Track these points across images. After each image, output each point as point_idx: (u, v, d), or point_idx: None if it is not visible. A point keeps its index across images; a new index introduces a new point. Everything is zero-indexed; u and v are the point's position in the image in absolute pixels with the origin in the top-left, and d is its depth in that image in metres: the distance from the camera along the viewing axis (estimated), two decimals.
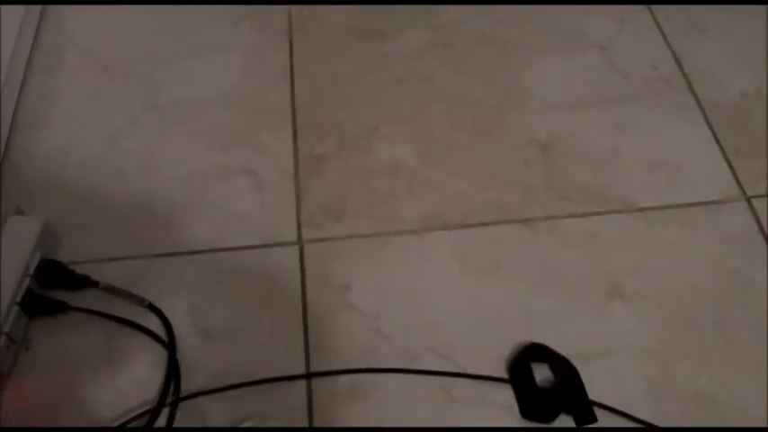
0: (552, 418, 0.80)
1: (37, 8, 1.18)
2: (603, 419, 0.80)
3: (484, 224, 0.96)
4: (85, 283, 0.88)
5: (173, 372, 0.82)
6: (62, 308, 0.86)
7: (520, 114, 1.07)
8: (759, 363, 0.85)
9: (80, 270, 0.89)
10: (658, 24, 1.18)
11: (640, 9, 1.20)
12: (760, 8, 1.19)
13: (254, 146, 1.02)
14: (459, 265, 0.92)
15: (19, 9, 1.11)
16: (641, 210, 0.97)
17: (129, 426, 0.78)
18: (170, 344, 0.84)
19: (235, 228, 0.95)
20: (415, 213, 0.96)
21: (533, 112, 1.07)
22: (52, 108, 1.07)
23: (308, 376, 0.82)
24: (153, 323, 0.86)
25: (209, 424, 0.79)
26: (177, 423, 0.79)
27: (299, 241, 0.93)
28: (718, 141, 1.04)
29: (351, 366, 0.83)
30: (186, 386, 0.82)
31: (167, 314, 0.86)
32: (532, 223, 0.96)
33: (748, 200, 0.98)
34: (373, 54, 1.13)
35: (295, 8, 1.20)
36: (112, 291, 0.88)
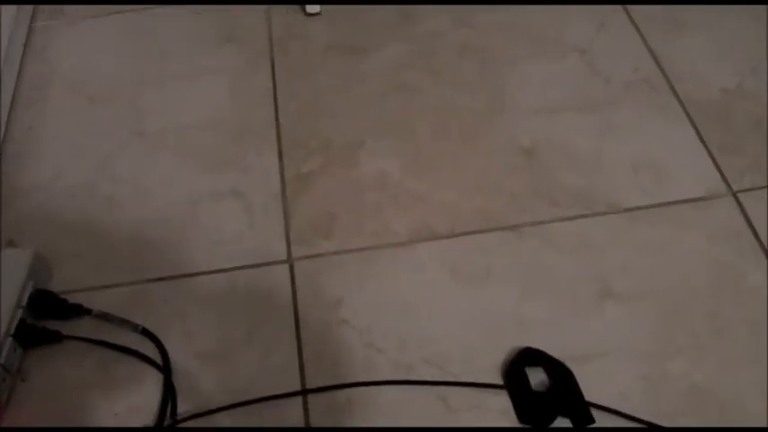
0: (549, 422, 0.81)
1: (21, 40, 1.19)
2: (601, 420, 0.80)
3: (472, 232, 0.96)
4: (78, 311, 0.88)
5: (169, 395, 0.82)
6: (56, 337, 0.86)
7: (504, 121, 1.08)
8: (754, 356, 0.85)
9: (73, 299, 0.89)
10: (636, 25, 1.19)
11: (618, 10, 1.22)
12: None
13: (242, 167, 1.03)
14: (450, 275, 0.92)
15: (2, 42, 1.12)
16: (628, 210, 0.98)
17: None
18: (165, 368, 0.84)
19: (225, 249, 0.95)
20: (403, 226, 0.97)
21: (517, 119, 1.08)
22: (40, 139, 1.08)
23: (304, 393, 0.83)
24: (148, 348, 0.86)
25: None
26: None
27: (290, 259, 0.94)
28: (701, 138, 1.05)
29: (346, 381, 0.83)
30: (183, 408, 0.82)
31: (161, 338, 0.87)
32: (520, 229, 0.96)
33: (734, 195, 0.99)
34: (355, 69, 1.14)
35: (276, 27, 1.21)
36: (106, 318, 0.88)
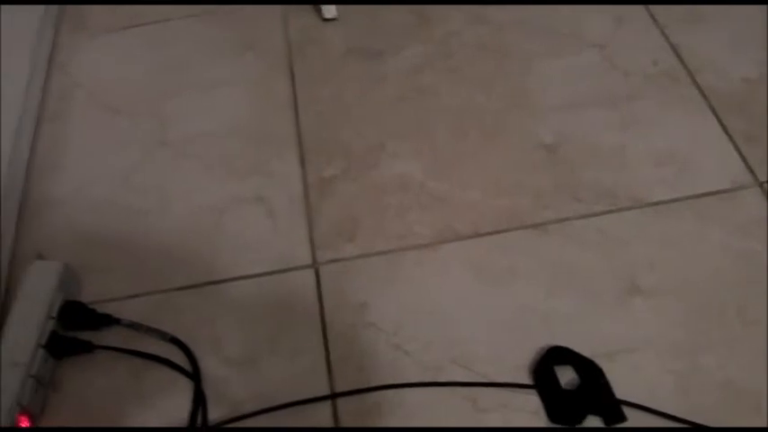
0: (580, 420, 0.80)
1: (46, 55, 1.21)
2: (632, 417, 0.80)
3: (496, 232, 0.96)
4: (108, 321, 0.89)
5: (199, 402, 0.83)
6: (87, 347, 0.87)
7: (524, 119, 1.07)
8: None
9: (102, 309, 0.90)
10: (655, 19, 1.18)
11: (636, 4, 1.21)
12: None
13: (264, 174, 1.04)
14: (475, 275, 0.92)
15: (26, 59, 1.14)
16: (653, 204, 0.97)
17: None
18: (195, 375, 0.85)
19: (251, 256, 0.96)
20: (426, 227, 0.97)
21: (538, 116, 1.07)
22: (65, 153, 1.09)
23: (333, 396, 0.83)
24: (177, 356, 0.87)
25: None
26: None
27: (315, 264, 0.94)
28: (725, 129, 1.04)
29: (374, 383, 0.83)
30: (214, 415, 0.82)
31: (190, 346, 0.87)
32: (545, 227, 0.96)
33: (761, 185, 0.98)
34: (373, 73, 1.15)
35: (293, 33, 1.22)
36: (135, 327, 0.89)
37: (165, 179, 1.05)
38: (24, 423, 0.80)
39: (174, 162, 1.06)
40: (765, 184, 0.98)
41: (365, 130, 1.08)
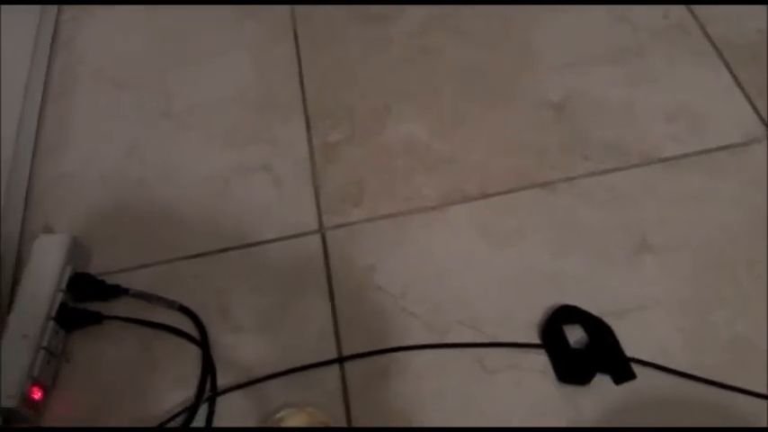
0: (589, 379, 0.80)
1: (49, 32, 1.20)
2: (642, 375, 0.79)
3: (504, 192, 0.95)
4: (117, 291, 0.89)
5: (208, 369, 0.83)
6: (97, 318, 0.88)
7: (531, 77, 1.05)
8: None
9: (110, 280, 0.91)
10: None
11: None
12: None
13: (269, 140, 1.03)
14: (483, 236, 0.91)
15: (30, 36, 1.14)
16: (663, 161, 0.95)
17: (168, 426, 0.80)
18: (203, 342, 0.85)
19: (257, 223, 0.95)
20: (433, 189, 0.96)
21: (544, 74, 1.05)
22: (71, 127, 1.09)
23: (341, 360, 0.83)
24: (185, 324, 0.87)
25: (246, 416, 0.80)
26: (216, 418, 0.80)
27: (321, 229, 0.94)
28: (737, 82, 1.02)
29: (382, 346, 0.83)
30: (223, 381, 0.83)
31: (199, 314, 0.88)
32: (553, 186, 0.94)
33: None
34: (378, 36, 1.13)
35: None
36: (143, 297, 0.89)
37: (170, 150, 1.04)
38: (36, 394, 0.81)
39: (178, 133, 1.06)
40: None
41: (370, 93, 1.06)
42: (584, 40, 1.08)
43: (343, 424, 0.79)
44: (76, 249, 0.92)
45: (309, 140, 1.02)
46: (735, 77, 1.02)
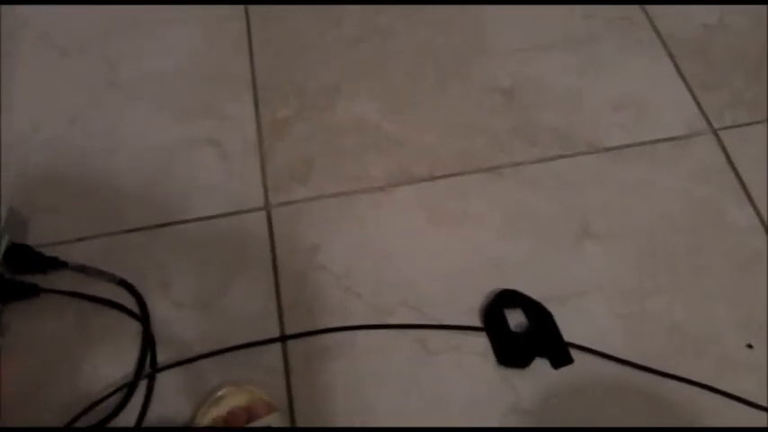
0: (528, 363, 0.81)
1: None
2: (580, 360, 0.81)
3: (451, 175, 0.95)
4: (55, 264, 0.87)
5: (148, 345, 0.82)
6: (34, 291, 0.86)
7: (482, 61, 1.06)
8: (732, 291, 0.86)
9: (49, 252, 0.88)
10: None
11: None
12: None
13: (217, 115, 1.01)
14: (428, 218, 0.92)
15: None
16: (608, 149, 0.97)
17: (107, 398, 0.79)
18: (144, 317, 0.84)
19: (202, 198, 0.94)
20: (381, 170, 0.96)
21: (495, 59, 1.06)
22: (12, 94, 1.05)
23: (283, 339, 0.83)
24: (126, 299, 0.86)
25: (186, 393, 0.79)
26: (155, 395, 0.79)
27: (267, 206, 0.93)
28: (682, 75, 1.04)
29: (325, 326, 0.83)
30: (163, 358, 0.82)
31: (139, 289, 0.86)
32: (499, 170, 0.95)
33: (715, 132, 0.98)
34: (330, 14, 1.11)
35: None
36: (83, 270, 0.87)
37: (115, 121, 1.02)
38: None
39: (123, 103, 1.03)
40: (719, 132, 0.98)
41: (321, 70, 1.05)
42: (536, 26, 1.09)
43: (285, 403, 0.79)
44: (13, 219, 0.89)
45: (258, 116, 1.01)
46: (679, 70, 1.05)
